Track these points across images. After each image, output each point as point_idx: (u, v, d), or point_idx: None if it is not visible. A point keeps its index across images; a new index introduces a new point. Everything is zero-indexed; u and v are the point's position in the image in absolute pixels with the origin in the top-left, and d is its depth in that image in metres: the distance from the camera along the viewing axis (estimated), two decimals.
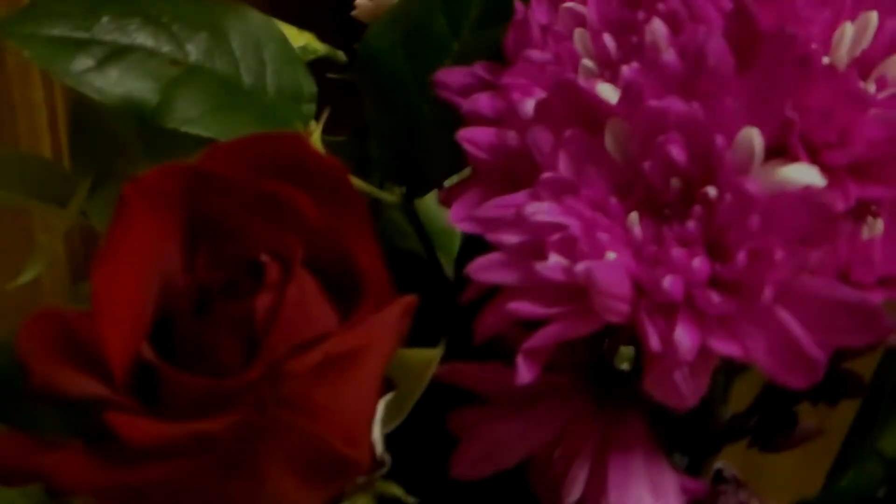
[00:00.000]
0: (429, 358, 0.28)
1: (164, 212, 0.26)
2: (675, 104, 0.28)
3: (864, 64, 0.30)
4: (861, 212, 0.30)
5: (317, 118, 0.37)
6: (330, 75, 0.39)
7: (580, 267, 0.27)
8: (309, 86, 0.36)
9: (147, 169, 0.39)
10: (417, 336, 0.35)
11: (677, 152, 0.28)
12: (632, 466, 0.31)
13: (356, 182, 0.37)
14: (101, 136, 0.39)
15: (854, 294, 0.27)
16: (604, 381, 0.32)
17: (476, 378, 0.33)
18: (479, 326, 0.30)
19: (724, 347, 0.27)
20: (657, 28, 0.30)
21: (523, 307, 0.28)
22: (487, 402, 0.33)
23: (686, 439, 0.36)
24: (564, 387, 0.32)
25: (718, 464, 0.38)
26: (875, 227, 0.29)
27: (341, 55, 0.40)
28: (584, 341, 0.30)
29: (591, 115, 0.29)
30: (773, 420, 0.35)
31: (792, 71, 0.28)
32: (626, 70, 0.29)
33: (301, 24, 0.39)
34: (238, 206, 0.26)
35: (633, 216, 0.29)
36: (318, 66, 0.38)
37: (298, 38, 0.38)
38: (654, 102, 0.28)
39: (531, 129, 0.29)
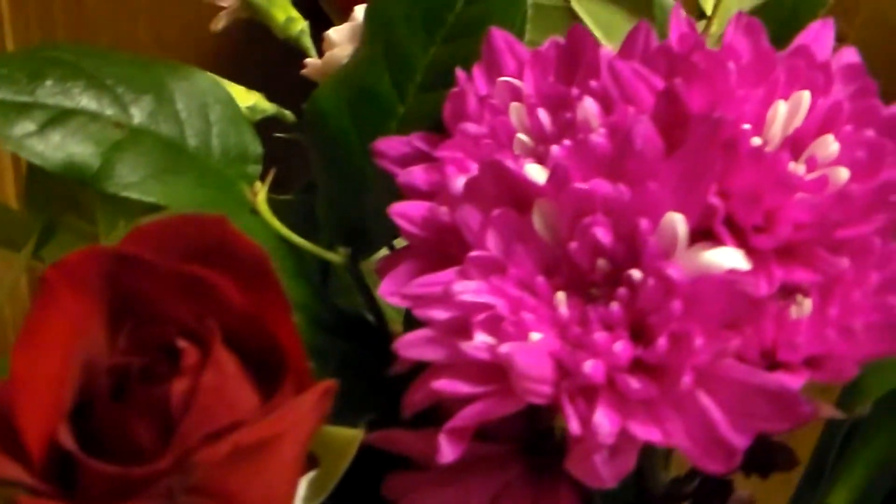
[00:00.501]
0: (351, 437, 0.28)
1: (86, 294, 0.26)
2: (602, 186, 0.28)
3: (797, 142, 0.31)
4: (791, 291, 0.30)
5: (263, 179, 0.37)
6: (278, 135, 0.39)
7: (502, 349, 0.27)
8: (255, 146, 0.37)
9: (99, 220, 0.39)
10: (362, 397, 0.35)
11: (603, 234, 0.28)
12: None
13: (303, 242, 0.37)
14: (57, 184, 0.40)
15: (773, 380, 0.27)
16: (538, 451, 0.32)
17: (411, 445, 0.33)
18: (408, 401, 0.30)
19: (644, 432, 0.27)
20: (588, 106, 0.30)
21: (448, 385, 0.28)
22: (424, 469, 0.33)
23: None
24: (500, 455, 0.32)
25: None
26: (804, 307, 0.29)
27: (289, 115, 0.40)
28: (519, 412, 0.30)
29: (520, 194, 0.29)
30: (708, 488, 0.35)
31: (718, 154, 0.28)
32: (554, 150, 0.29)
33: (253, 84, 0.39)
34: (159, 289, 0.26)
35: (560, 296, 0.29)
36: (267, 126, 0.39)
37: (246, 98, 0.38)
38: (579, 185, 0.28)
39: (460, 207, 0.29)
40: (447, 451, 0.28)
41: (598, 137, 0.29)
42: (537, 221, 0.29)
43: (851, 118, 0.30)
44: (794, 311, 0.29)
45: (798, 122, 0.31)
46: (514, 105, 0.31)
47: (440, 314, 0.29)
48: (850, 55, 0.32)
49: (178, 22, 0.51)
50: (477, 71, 0.32)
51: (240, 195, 0.36)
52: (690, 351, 0.27)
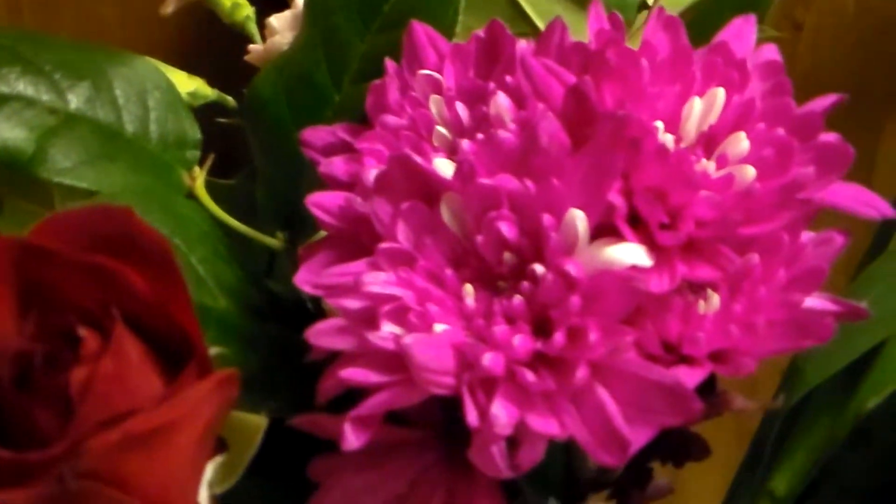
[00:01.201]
0: (257, 423, 0.29)
1: None
2: (508, 181, 0.29)
3: (711, 139, 0.31)
4: (702, 287, 0.30)
5: (202, 164, 0.37)
6: (220, 120, 0.40)
7: (402, 341, 0.28)
8: (193, 132, 0.37)
9: (56, 203, 0.40)
10: (291, 381, 0.36)
11: (507, 229, 0.29)
12: None
13: (241, 226, 0.38)
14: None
15: (667, 375, 0.28)
16: (455, 438, 0.33)
17: (333, 429, 0.33)
18: (321, 388, 0.31)
19: (542, 424, 0.28)
20: (501, 102, 0.30)
21: (355, 374, 0.29)
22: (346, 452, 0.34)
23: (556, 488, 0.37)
24: (418, 441, 0.33)
25: None
26: (712, 303, 0.30)
27: (230, 101, 0.40)
28: (434, 399, 0.30)
29: (430, 187, 0.30)
30: (629, 476, 0.35)
31: (622, 152, 0.29)
32: (465, 144, 0.30)
33: (217, 66, 0.40)
34: (66, 278, 0.27)
35: (468, 288, 0.29)
36: (210, 111, 0.39)
37: (188, 84, 0.39)
38: (484, 180, 0.29)
39: (372, 199, 0.30)
40: (351, 438, 0.29)
41: (506, 133, 0.29)
42: (446, 215, 0.29)
43: (764, 116, 0.31)
44: (702, 307, 0.30)
45: (713, 119, 0.31)
46: (433, 98, 0.32)
47: (351, 304, 0.29)
48: (770, 52, 0.33)
49: (142, 2, 0.51)
50: (390, 64, 0.33)
51: (177, 180, 0.36)
52: (586, 346, 0.27)
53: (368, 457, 0.33)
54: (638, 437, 0.28)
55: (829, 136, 0.31)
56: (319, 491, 0.33)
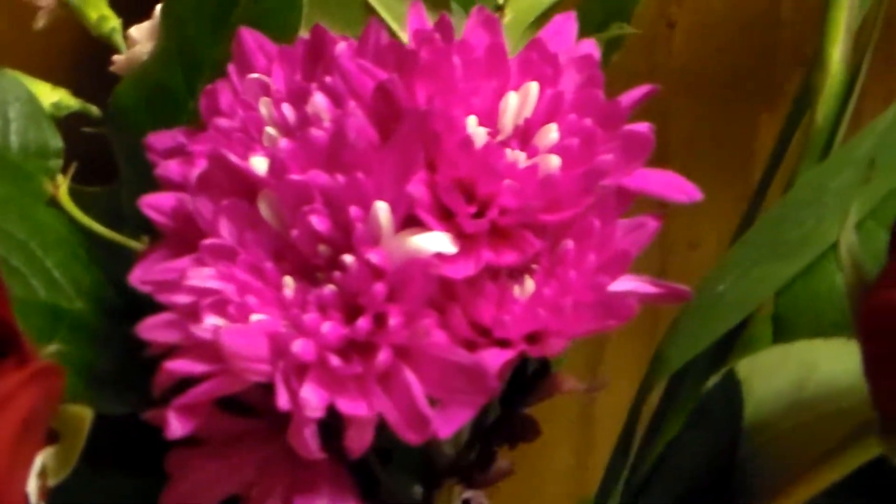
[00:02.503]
0: (84, 414, 0.30)
1: None
2: (319, 177, 0.30)
3: (527, 132, 0.32)
4: (520, 273, 0.32)
5: (65, 172, 0.39)
6: (85, 129, 0.41)
7: (215, 332, 0.29)
8: (55, 142, 0.39)
9: None
10: (144, 378, 0.37)
11: (318, 222, 0.30)
12: None
13: (105, 231, 0.39)
14: None
15: (467, 357, 0.29)
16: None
17: None
18: (156, 381, 0.32)
19: (350, 406, 0.29)
20: (318, 101, 0.32)
21: (180, 365, 0.30)
22: (198, 444, 0.35)
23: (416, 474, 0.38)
24: (260, 431, 0.34)
25: (468, 493, 0.40)
26: (526, 288, 0.31)
27: (94, 110, 0.42)
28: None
29: (249, 185, 0.31)
30: (477, 458, 0.37)
31: (423, 145, 0.30)
32: (282, 143, 0.31)
33: (65, 79, 0.41)
34: None
35: (287, 280, 0.31)
36: (76, 121, 0.41)
37: (52, 95, 0.40)
38: (295, 176, 0.30)
39: (194, 198, 0.31)
40: (175, 426, 0.30)
41: (318, 131, 0.31)
42: (264, 210, 0.31)
43: (574, 107, 0.32)
44: (517, 292, 0.31)
45: (528, 112, 0.33)
46: (263, 100, 0.33)
47: (178, 299, 0.31)
48: (588, 47, 0.34)
49: (9, 15, 0.52)
50: (231, 69, 0.34)
51: (38, 188, 0.38)
52: (387, 330, 0.29)
53: (216, 448, 0.34)
54: (456, 418, 0.30)
55: (638, 126, 0.32)
56: (170, 482, 0.35)
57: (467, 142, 0.30)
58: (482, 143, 0.31)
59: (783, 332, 0.40)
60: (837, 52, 0.44)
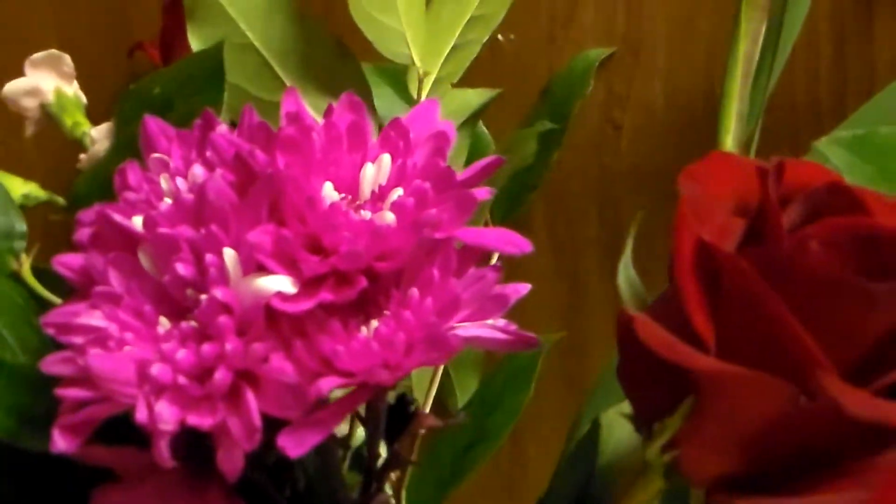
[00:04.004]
0: None
1: None
2: (185, 231, 0.36)
3: (381, 195, 0.38)
4: (372, 315, 0.36)
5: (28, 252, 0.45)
6: (51, 217, 0.48)
7: (87, 359, 0.35)
8: (20, 226, 0.45)
9: None
10: None
11: (183, 269, 0.35)
12: None
13: (57, 300, 0.45)
14: None
15: (294, 380, 0.34)
16: (190, 457, 0.39)
17: (103, 458, 0.40)
18: (60, 411, 0.37)
19: (198, 420, 0.34)
20: (196, 171, 0.37)
21: (70, 392, 0.36)
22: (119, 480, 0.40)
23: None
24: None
25: None
26: (370, 326, 0.36)
27: (60, 200, 0.48)
28: None
29: (132, 240, 0.37)
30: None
31: (277, 204, 0.35)
32: (162, 205, 0.37)
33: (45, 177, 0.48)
34: None
35: (163, 319, 0.36)
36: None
37: (22, 188, 0.47)
38: (163, 230, 0.36)
39: (87, 252, 0.37)
40: (60, 443, 0.35)
41: (189, 194, 0.36)
42: (144, 261, 0.36)
43: (420, 174, 0.37)
44: (363, 331, 0.36)
45: (383, 179, 0.38)
46: (163, 175, 0.39)
47: (73, 338, 0.36)
48: (444, 125, 0.39)
49: None
50: (144, 150, 0.40)
51: (3, 265, 0.44)
52: (222, 356, 0.34)
53: (130, 482, 0.40)
54: (307, 440, 0.34)
55: (477, 190, 0.37)
56: None
57: (312, 201, 0.36)
58: (328, 204, 0.36)
59: None
60: (730, 139, 0.48)
